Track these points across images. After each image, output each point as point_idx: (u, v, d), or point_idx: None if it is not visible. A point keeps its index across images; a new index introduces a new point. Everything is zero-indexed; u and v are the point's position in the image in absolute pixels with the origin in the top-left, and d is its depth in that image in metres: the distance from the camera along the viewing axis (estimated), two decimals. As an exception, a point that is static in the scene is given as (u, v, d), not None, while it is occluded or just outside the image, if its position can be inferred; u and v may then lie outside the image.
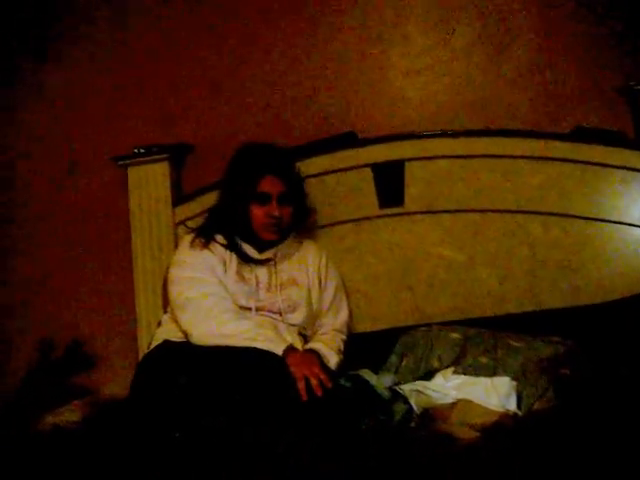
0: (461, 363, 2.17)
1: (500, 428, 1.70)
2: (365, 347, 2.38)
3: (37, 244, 3.04)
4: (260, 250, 2.30)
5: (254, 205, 2.24)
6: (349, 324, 2.44)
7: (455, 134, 2.53)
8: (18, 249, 3.05)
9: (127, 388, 2.15)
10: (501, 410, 1.87)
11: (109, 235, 2.94)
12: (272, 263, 2.31)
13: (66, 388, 2.72)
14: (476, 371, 2.11)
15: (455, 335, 2.28)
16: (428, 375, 2.15)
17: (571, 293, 2.41)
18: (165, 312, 2.39)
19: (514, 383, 2.01)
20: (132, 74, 2.97)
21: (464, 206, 2.53)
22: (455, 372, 2.12)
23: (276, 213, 2.23)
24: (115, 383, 2.68)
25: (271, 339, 2.10)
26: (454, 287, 2.53)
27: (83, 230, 2.99)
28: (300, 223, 2.41)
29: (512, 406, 1.95)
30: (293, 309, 2.28)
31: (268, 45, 2.81)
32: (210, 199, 2.49)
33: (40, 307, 3.00)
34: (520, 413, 1.92)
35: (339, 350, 2.30)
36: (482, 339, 2.25)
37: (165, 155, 2.79)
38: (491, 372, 2.10)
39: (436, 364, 2.21)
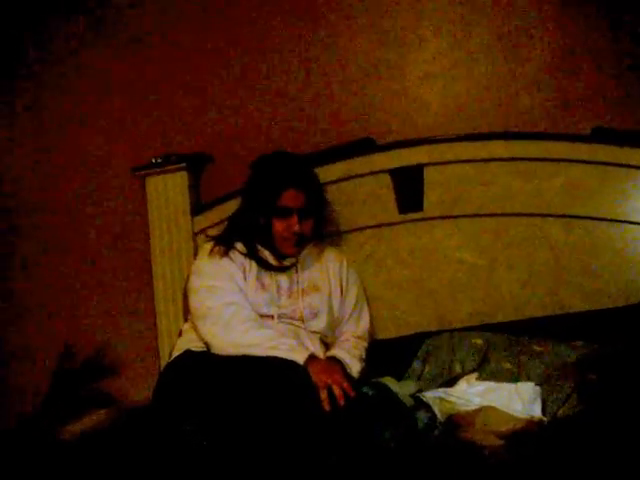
0: (484, 369, 2.17)
1: (525, 435, 1.70)
2: (387, 354, 2.38)
3: (58, 254, 3.05)
4: (281, 258, 2.30)
5: (275, 218, 2.24)
6: (371, 331, 2.43)
7: (474, 137, 2.52)
8: (39, 259, 3.06)
9: (149, 396, 2.16)
10: (526, 416, 1.87)
11: (129, 244, 2.95)
12: (294, 270, 2.31)
13: (88, 396, 2.74)
14: (499, 377, 2.10)
15: (477, 341, 2.28)
16: (451, 381, 2.15)
17: (594, 296, 2.39)
18: (186, 321, 2.39)
19: (538, 389, 2.00)
20: (150, 84, 2.96)
21: (484, 210, 2.51)
22: (478, 378, 2.12)
23: (297, 229, 2.23)
24: (137, 390, 2.68)
25: (292, 348, 2.10)
26: (475, 292, 2.52)
27: (103, 240, 3.00)
28: (320, 231, 2.41)
29: (537, 412, 1.94)
30: (315, 316, 2.28)
31: (284, 52, 2.80)
32: (229, 208, 2.50)
33: (61, 316, 3.01)
34: (545, 419, 1.91)
35: (361, 357, 2.30)
36: (505, 344, 2.25)
37: (183, 164, 2.80)
38: (514, 378, 2.09)
39: (459, 370, 2.21)
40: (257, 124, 2.83)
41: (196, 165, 2.84)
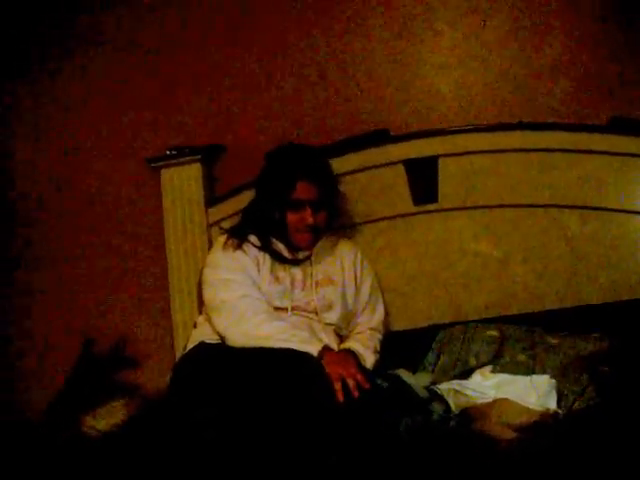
0: (499, 361, 2.18)
1: (540, 428, 1.72)
2: (401, 346, 2.38)
3: (75, 248, 3.05)
4: (294, 250, 2.30)
5: (288, 211, 2.24)
6: (385, 323, 2.43)
7: (489, 128, 2.51)
8: (57, 254, 3.06)
9: (165, 387, 2.16)
10: (541, 409, 1.86)
11: (144, 237, 2.95)
12: (307, 262, 2.30)
13: (109, 386, 2.76)
14: (514, 369, 2.10)
15: (492, 332, 2.28)
16: (465, 374, 2.15)
17: (610, 288, 2.38)
18: (200, 313, 2.39)
19: (554, 381, 2.00)
20: (163, 78, 2.96)
21: (499, 202, 2.50)
22: (493, 370, 2.12)
23: (310, 221, 2.23)
24: (154, 381, 2.68)
25: (306, 340, 2.10)
26: (490, 284, 2.51)
27: (119, 233, 3.00)
28: (334, 222, 2.41)
29: (552, 405, 1.93)
30: (329, 308, 2.28)
31: (299, 44, 2.80)
32: (243, 200, 2.50)
33: (80, 310, 3.02)
34: (561, 412, 1.90)
35: (375, 349, 2.31)
36: (520, 336, 2.24)
37: (197, 156, 2.79)
38: (530, 370, 2.09)
39: (473, 362, 2.21)
40: (272, 115, 2.82)
41: (210, 157, 2.84)
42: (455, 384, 2.06)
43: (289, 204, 2.23)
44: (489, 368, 2.14)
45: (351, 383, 1.93)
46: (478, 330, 2.31)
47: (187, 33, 2.94)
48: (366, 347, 2.27)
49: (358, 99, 2.73)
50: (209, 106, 2.90)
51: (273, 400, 1.86)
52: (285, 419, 1.80)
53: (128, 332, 2.94)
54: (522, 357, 2.14)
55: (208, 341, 2.19)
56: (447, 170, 2.54)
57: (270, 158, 2.34)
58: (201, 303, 2.39)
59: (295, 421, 1.79)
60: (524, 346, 2.19)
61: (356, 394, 1.91)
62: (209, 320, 2.23)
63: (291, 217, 2.24)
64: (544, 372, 2.05)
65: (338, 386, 1.92)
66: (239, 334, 2.12)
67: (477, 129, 2.52)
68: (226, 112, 2.88)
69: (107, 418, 2.07)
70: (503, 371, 2.10)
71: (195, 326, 2.36)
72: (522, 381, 2.00)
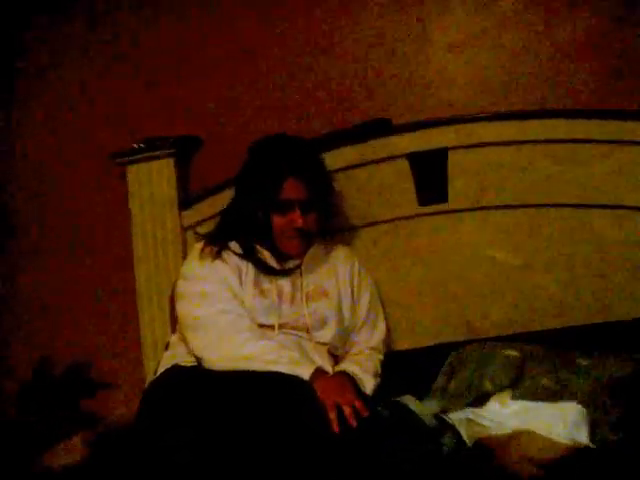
0: (519, 386, 2.15)
1: (569, 464, 1.69)
2: (406, 368, 2.37)
3: (30, 256, 3.09)
4: (282, 259, 2.30)
5: (274, 213, 2.23)
6: (386, 341, 2.44)
7: (506, 116, 2.50)
8: (17, 264, 3.11)
9: (132, 416, 2.15)
10: (569, 443, 1.85)
11: (108, 245, 2.97)
12: (297, 272, 2.31)
13: (66, 416, 2.77)
14: (537, 395, 2.09)
15: (511, 352, 2.27)
16: (480, 400, 2.15)
17: (648, 301, 2.40)
18: (173, 332, 2.39)
19: (584, 410, 1.99)
20: (133, 60, 2.99)
21: (519, 201, 2.50)
22: (512, 396, 2.11)
23: (299, 224, 2.23)
24: (121, 409, 2.71)
25: (296, 361, 2.10)
26: (509, 296, 2.51)
27: (80, 241, 3.02)
28: (326, 227, 2.41)
29: (582, 438, 1.92)
30: (322, 325, 2.28)
31: (290, 21, 2.80)
32: (223, 200, 2.50)
33: (37, 328, 3.07)
34: (593, 446, 1.89)
35: (376, 372, 2.31)
36: (543, 357, 2.23)
37: (170, 150, 2.79)
38: (556, 396, 2.08)
39: (489, 387, 2.20)
40: (256, 104, 2.82)
41: (185, 150, 2.84)
42: (469, 412, 2.05)
43: (275, 205, 2.23)
44: (508, 394, 2.13)
45: (348, 411, 1.92)
46: (495, 350, 2.30)
47: (163, 17, 2.95)
48: (365, 370, 2.27)
49: (355, 84, 2.73)
50: (184, 94, 2.91)
51: (258, 429, 1.86)
52: (272, 451, 1.80)
53: (90, 352, 2.95)
54: (546, 381, 2.14)
55: (182, 364, 2.19)
56: (458, 165, 2.53)
57: (253, 152, 2.33)
58: (174, 320, 2.39)
59: (283, 454, 1.79)
60: (549, 368, 2.18)
61: (354, 424, 1.90)
62: (184, 340, 2.22)
63: (278, 220, 2.24)
64: (572, 399, 2.04)
65: (333, 414, 1.91)
66: (218, 355, 2.12)
67: (493, 117, 2.51)
68: (204, 101, 2.89)
69: (64, 457, 2.04)
70: (524, 397, 2.09)
71: (167, 347, 2.35)
72: (547, 409, 2.00)
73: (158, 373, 2.23)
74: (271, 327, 2.22)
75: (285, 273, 2.28)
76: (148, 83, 2.97)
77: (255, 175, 2.27)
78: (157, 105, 2.94)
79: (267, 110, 2.80)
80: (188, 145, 2.84)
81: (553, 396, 2.07)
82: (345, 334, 2.35)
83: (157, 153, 2.78)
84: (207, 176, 2.81)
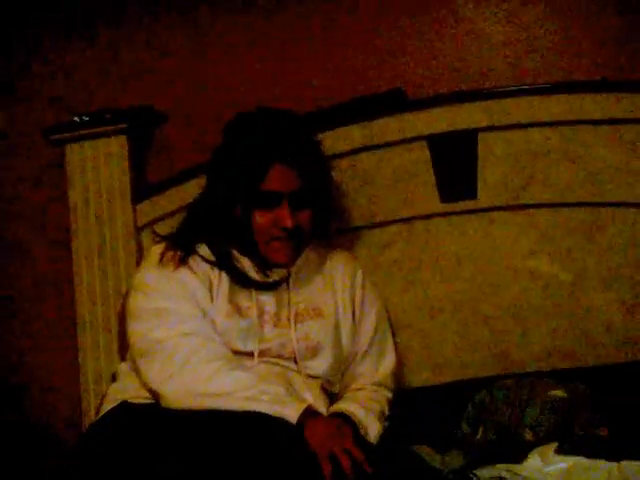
0: (567, 436, 2.14)
1: None
2: (421, 410, 2.38)
3: None
4: (265, 268, 2.25)
5: (256, 209, 2.20)
6: (396, 375, 2.43)
7: (553, 89, 2.50)
8: None
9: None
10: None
11: (40, 247, 2.99)
12: (284, 286, 2.29)
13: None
14: (592, 449, 2.05)
15: (558, 393, 2.26)
16: (518, 454, 2.10)
17: None
18: (123, 360, 2.37)
19: (652, 471, 1.97)
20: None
21: (569, 198, 2.49)
22: (559, 450, 2.08)
23: (288, 224, 2.18)
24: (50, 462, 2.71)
25: (281, 399, 2.06)
26: (555, 320, 2.51)
27: (7, 236, 3.04)
28: (323, 227, 2.36)
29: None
30: (314, 353, 2.27)
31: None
32: (189, 192, 2.49)
33: None
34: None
35: (382, 414, 2.28)
36: (601, 400, 2.22)
37: (121, 125, 2.78)
38: (614, 451, 2.03)
39: (529, 437, 2.20)
40: (237, 71, 2.84)
41: (141, 127, 2.83)
42: (502, 469, 2.04)
43: (258, 198, 2.19)
44: (553, 446, 2.09)
45: (346, 463, 1.91)
46: (536, 389, 2.29)
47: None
48: (368, 410, 2.23)
49: (361, 48, 2.76)
50: (142, 57, 2.93)
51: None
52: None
53: (21, 380, 2.97)
54: (604, 431, 2.13)
55: (133, 401, 2.16)
56: (491, 151, 2.53)
57: (231, 130, 2.30)
58: (124, 344, 2.37)
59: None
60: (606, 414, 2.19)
61: (353, 478, 1.89)
62: (136, 369, 2.19)
63: (261, 217, 2.20)
64: (637, 456, 1.99)
65: (327, 468, 1.90)
66: (180, 390, 2.08)
67: (536, 90, 2.51)
68: (168, 66, 2.91)
69: None
70: (575, 452, 2.05)
71: (114, 378, 2.34)
72: (604, 468, 1.98)
73: (101, 413, 2.20)
74: (249, 354, 2.19)
75: (268, 286, 2.26)
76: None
77: (232, 160, 2.23)
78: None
79: (251, 79, 2.81)
80: (146, 120, 2.84)
81: (612, 451, 2.03)
82: (344, 365, 2.34)
83: (105, 129, 2.77)
84: (171, 160, 2.83)
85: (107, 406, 2.19)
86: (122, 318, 2.36)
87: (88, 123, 2.78)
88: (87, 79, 2.99)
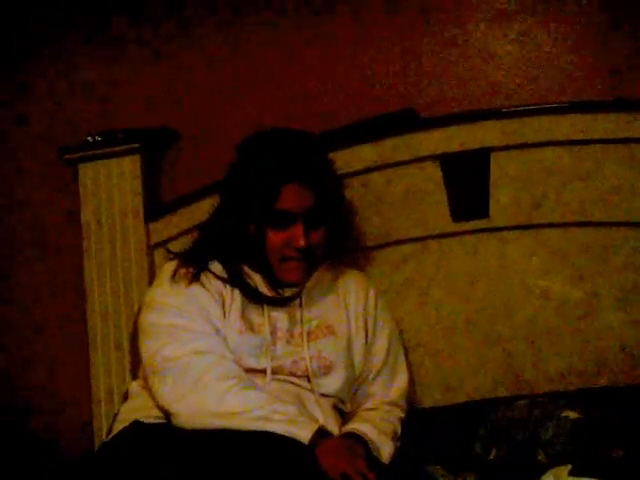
0: (582, 458, 2.12)
1: None
2: (434, 430, 2.38)
3: None
4: (278, 285, 2.25)
5: (269, 228, 2.20)
6: (409, 395, 2.43)
7: (567, 108, 2.49)
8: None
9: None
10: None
11: (52, 266, 2.99)
12: (296, 303, 2.29)
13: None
14: (606, 471, 2.02)
15: (571, 414, 2.26)
16: (531, 475, 2.07)
17: None
18: (135, 378, 2.38)
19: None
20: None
21: (582, 217, 2.49)
22: (573, 472, 2.04)
23: (302, 244, 2.19)
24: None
25: (293, 419, 2.07)
26: (568, 340, 2.49)
27: (20, 256, 3.05)
28: (336, 246, 2.37)
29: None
30: (327, 371, 2.27)
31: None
32: (202, 210, 2.49)
33: None
34: None
35: (395, 434, 2.28)
36: (615, 421, 2.22)
37: (135, 145, 2.79)
38: (630, 473, 2.03)
39: (543, 459, 2.19)
40: (248, 89, 2.85)
41: (155, 147, 2.85)
42: None
43: (272, 217, 2.19)
44: (567, 469, 2.05)
45: None
46: (550, 409, 2.29)
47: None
48: (381, 431, 2.24)
49: (372, 67, 2.75)
50: (157, 78, 2.94)
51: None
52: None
53: (33, 401, 2.96)
54: (618, 451, 2.12)
55: (146, 420, 2.16)
56: (504, 170, 2.53)
57: (244, 150, 2.31)
58: (137, 363, 2.37)
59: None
60: (620, 436, 2.17)
61: None
62: (148, 388, 2.19)
63: (274, 237, 2.20)
64: None
65: None
66: (193, 409, 2.09)
67: (549, 109, 2.50)
68: (183, 86, 2.92)
69: None
70: (589, 473, 2.01)
71: (126, 397, 2.34)
72: None
73: (114, 431, 2.20)
74: (262, 372, 2.19)
75: (281, 303, 2.26)
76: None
77: (246, 179, 2.23)
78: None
79: (264, 98, 2.82)
80: (159, 139, 2.85)
81: (626, 473, 2.03)
82: (356, 384, 2.34)
83: (118, 149, 2.78)
84: (184, 180, 2.84)
85: (119, 425, 2.20)
86: (134, 335, 2.36)
87: (101, 143, 2.79)
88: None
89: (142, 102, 2.94)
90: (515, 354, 2.52)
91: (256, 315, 2.23)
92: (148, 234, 2.79)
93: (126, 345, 2.73)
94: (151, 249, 2.79)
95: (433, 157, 2.56)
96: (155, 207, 2.81)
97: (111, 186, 2.79)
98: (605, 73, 2.58)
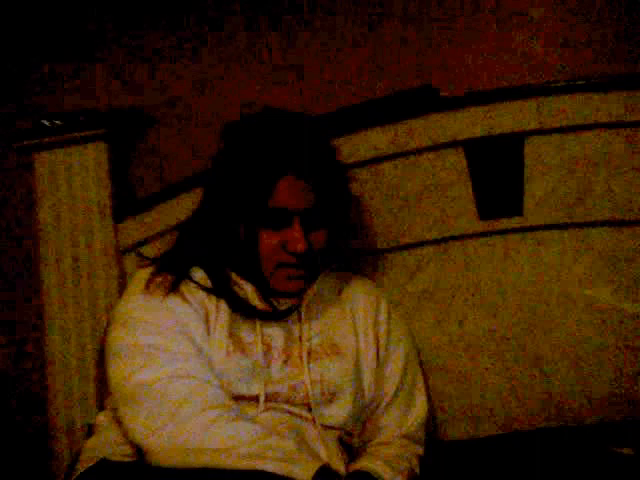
0: None
1: None
2: (459, 467, 2.34)
3: None
4: (272, 296, 2.19)
5: (262, 228, 2.16)
6: (428, 425, 2.38)
7: (615, 83, 2.44)
8: None
9: None
10: None
11: (7, 269, 3.05)
12: (294, 317, 2.23)
13: None
14: None
15: (624, 450, 2.23)
16: None
17: None
18: (101, 408, 2.31)
19: None
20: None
21: (635, 214, 2.43)
22: None
23: (299, 247, 2.13)
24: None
25: (291, 456, 1.99)
26: (619, 361, 2.44)
27: None
28: (340, 250, 2.34)
29: None
30: (331, 399, 2.22)
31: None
32: (182, 208, 2.52)
33: None
34: None
35: (412, 474, 2.22)
36: None
37: (100, 130, 2.76)
38: None
39: None
40: (238, 69, 2.89)
41: (124, 132, 2.85)
42: None
43: (264, 217, 2.14)
44: None
45: None
46: (599, 444, 2.27)
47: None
48: (396, 470, 2.19)
49: (388, 40, 2.77)
50: (125, 54, 2.98)
51: None
52: None
53: None
54: None
55: (114, 458, 2.11)
56: (540, 159, 2.48)
57: (232, 136, 2.26)
58: (104, 390, 2.30)
59: None
60: None
61: None
62: (117, 419, 2.12)
63: (268, 239, 2.16)
64: None
65: None
66: (170, 445, 2.02)
67: (594, 86, 2.45)
68: (159, 64, 2.96)
69: None
70: None
71: (91, 431, 2.28)
72: None
73: (76, 473, 2.14)
74: (253, 400, 2.13)
75: (276, 317, 2.20)
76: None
77: (235, 170, 2.19)
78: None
79: (256, 76, 2.86)
80: (130, 124, 2.85)
81: None
82: (365, 414, 2.30)
83: (81, 134, 2.76)
84: (160, 172, 2.88)
85: (83, 465, 2.14)
86: (101, 358, 2.27)
87: (61, 128, 2.77)
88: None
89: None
90: (554, 377, 2.48)
91: (246, 332, 2.17)
92: (117, 236, 2.79)
93: (91, 368, 2.73)
94: (121, 254, 2.79)
95: (457, 143, 2.52)
96: (126, 204, 2.81)
97: (72, 179, 2.80)
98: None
